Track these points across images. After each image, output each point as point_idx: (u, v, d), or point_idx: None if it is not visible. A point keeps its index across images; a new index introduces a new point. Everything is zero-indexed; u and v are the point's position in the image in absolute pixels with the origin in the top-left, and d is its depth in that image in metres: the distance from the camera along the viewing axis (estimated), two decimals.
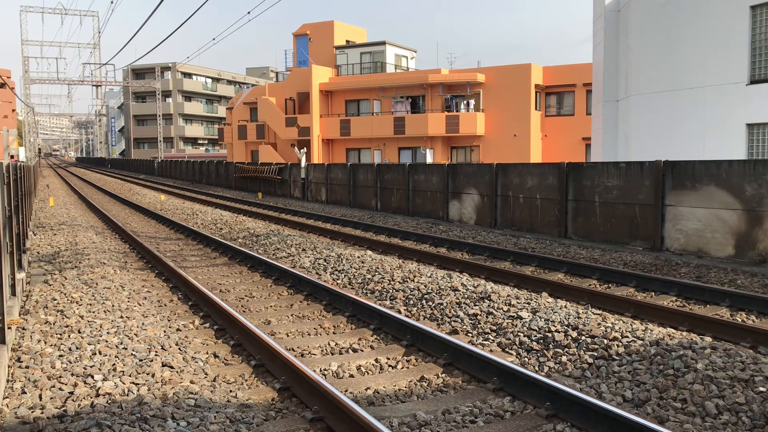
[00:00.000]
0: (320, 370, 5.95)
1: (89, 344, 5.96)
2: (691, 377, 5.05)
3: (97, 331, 6.44)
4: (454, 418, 4.79)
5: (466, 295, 8.03)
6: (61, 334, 6.34)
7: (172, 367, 5.56)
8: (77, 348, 5.87)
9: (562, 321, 6.72)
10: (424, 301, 8.15)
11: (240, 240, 14.62)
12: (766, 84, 16.20)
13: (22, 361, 5.54)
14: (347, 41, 43.52)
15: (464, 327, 7.14)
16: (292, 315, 8.06)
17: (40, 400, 4.71)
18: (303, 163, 29.13)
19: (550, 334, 6.44)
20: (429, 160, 34.92)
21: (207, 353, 6.38)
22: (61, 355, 5.67)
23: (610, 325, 6.45)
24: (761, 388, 4.78)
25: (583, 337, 6.25)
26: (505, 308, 7.40)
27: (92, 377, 5.13)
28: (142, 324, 6.85)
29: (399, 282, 9.14)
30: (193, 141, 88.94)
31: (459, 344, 5.96)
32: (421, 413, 4.82)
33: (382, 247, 13.43)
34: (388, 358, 6.32)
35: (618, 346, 5.93)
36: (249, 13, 18.83)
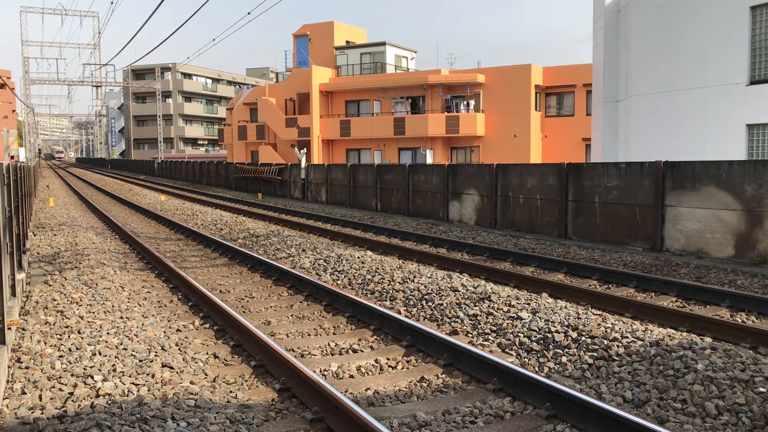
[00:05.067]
0: (320, 371, 5.95)
1: (89, 345, 5.96)
2: (691, 378, 5.05)
3: (97, 331, 6.44)
4: (454, 419, 4.79)
5: (466, 296, 8.03)
6: (61, 335, 6.34)
7: (172, 368, 5.56)
8: (77, 348, 5.87)
9: (562, 321, 6.72)
10: (424, 302, 8.15)
11: (240, 240, 14.62)
12: (766, 84, 16.20)
13: (22, 362, 5.54)
14: (347, 42, 43.53)
15: (464, 327, 7.14)
16: (292, 315, 8.06)
17: (40, 400, 4.71)
18: (303, 163, 29.13)
19: (550, 335, 6.44)
20: (429, 160, 34.91)
21: (207, 354, 6.38)
22: (61, 356, 5.67)
23: (610, 326, 6.45)
24: (761, 389, 4.78)
25: (583, 338, 6.25)
26: (505, 309, 7.40)
27: (92, 378, 5.12)
28: (142, 324, 6.85)
29: (399, 282, 9.14)
30: (193, 141, 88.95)
31: (459, 345, 5.96)
32: (421, 414, 4.82)
33: (382, 248, 13.43)
34: (388, 359, 6.32)
35: (618, 346, 5.93)
36: (249, 13, 18.86)
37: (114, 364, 5.45)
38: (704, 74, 17.47)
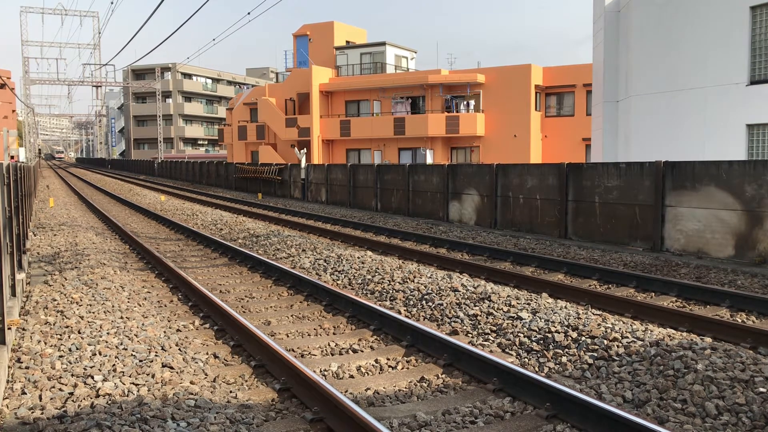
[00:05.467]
0: (320, 371, 5.95)
1: (89, 345, 5.96)
2: (691, 378, 5.05)
3: (97, 331, 6.44)
4: (454, 419, 4.79)
5: (466, 296, 8.03)
6: (61, 335, 6.34)
7: (172, 368, 5.56)
8: (77, 348, 5.87)
9: (562, 321, 6.72)
10: (424, 302, 8.15)
11: (240, 240, 14.62)
12: (766, 84, 16.20)
13: (22, 362, 5.54)
14: (347, 42, 43.52)
15: (464, 327, 7.14)
16: (292, 315, 8.06)
17: (40, 400, 4.71)
18: (303, 163, 29.13)
19: (550, 335, 6.44)
20: (429, 160, 34.92)
21: (207, 354, 6.38)
22: (61, 356, 5.67)
23: (610, 326, 6.45)
24: (761, 389, 4.78)
25: (583, 338, 6.25)
26: (505, 309, 7.40)
27: (92, 378, 5.12)
28: (142, 324, 6.85)
29: (399, 282, 9.14)
30: (193, 141, 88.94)
31: (459, 345, 5.96)
32: (421, 414, 4.82)
33: (382, 248, 13.43)
34: (388, 359, 6.32)
35: (618, 346, 5.93)
36: (249, 13, 18.87)
37: (114, 364, 5.45)
38: (704, 74, 17.47)
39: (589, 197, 14.51)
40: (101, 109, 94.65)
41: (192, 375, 5.53)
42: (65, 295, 8.19)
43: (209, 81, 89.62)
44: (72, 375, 5.20)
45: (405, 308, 8.14)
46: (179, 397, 4.87)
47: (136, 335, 6.39)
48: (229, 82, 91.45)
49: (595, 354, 5.90)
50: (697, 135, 17.64)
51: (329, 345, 6.79)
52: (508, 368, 5.33)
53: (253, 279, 10.46)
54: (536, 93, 35.47)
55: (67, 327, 6.59)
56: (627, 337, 6.10)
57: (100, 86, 77.92)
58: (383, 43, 41.73)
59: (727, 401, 4.73)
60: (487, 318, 7.23)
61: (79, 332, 6.41)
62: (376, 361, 6.25)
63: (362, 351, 6.59)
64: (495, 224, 17.33)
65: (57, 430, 4.16)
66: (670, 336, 6.07)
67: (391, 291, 8.85)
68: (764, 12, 16.22)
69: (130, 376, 5.22)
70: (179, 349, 6.27)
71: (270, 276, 10.43)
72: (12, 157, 57.26)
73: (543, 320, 6.84)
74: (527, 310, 7.26)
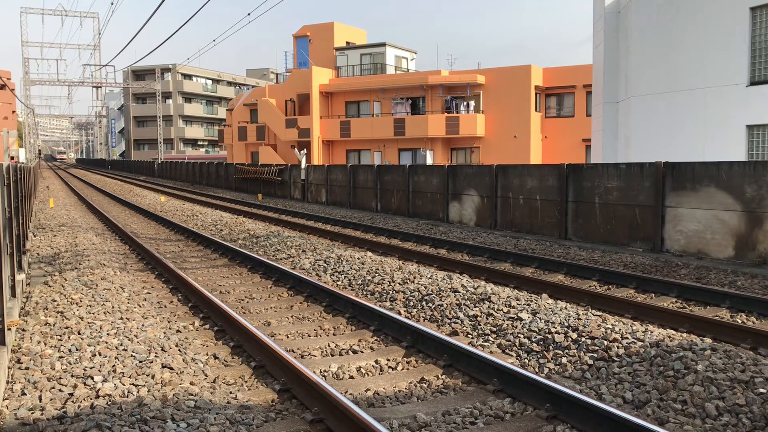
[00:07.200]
0: (320, 372, 5.94)
1: (89, 345, 5.96)
2: (692, 378, 5.05)
3: (97, 332, 6.43)
4: (454, 420, 4.78)
5: (466, 297, 8.03)
6: (60, 336, 6.34)
7: (171, 369, 5.56)
8: (77, 349, 5.87)
9: (562, 322, 6.72)
10: (424, 303, 8.15)
11: (240, 241, 14.62)
12: (766, 85, 16.21)
13: (22, 363, 5.54)
14: (347, 42, 43.53)
15: (464, 328, 7.14)
16: (292, 316, 8.06)
17: (40, 401, 4.71)
18: (303, 164, 29.14)
19: (550, 336, 6.44)
20: (429, 161, 34.91)
21: (207, 354, 6.37)
22: (60, 357, 5.66)
23: (611, 327, 6.44)
24: (761, 390, 4.78)
25: (583, 339, 6.25)
26: (506, 310, 7.40)
27: (92, 378, 5.12)
28: (142, 325, 6.85)
29: (399, 283, 9.14)
30: (193, 142, 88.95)
31: (459, 345, 5.96)
32: (421, 414, 4.81)
33: (383, 249, 13.42)
34: (388, 360, 6.32)
35: (618, 347, 5.92)
36: (249, 14, 18.89)
37: (114, 365, 5.45)
38: (704, 75, 17.47)
39: (589, 198, 14.51)
40: (101, 110, 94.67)
41: (192, 376, 5.53)
42: (65, 295, 8.19)
43: (209, 82, 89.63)
44: (72, 376, 5.19)
45: (405, 309, 8.14)
46: (179, 398, 4.86)
47: (136, 336, 6.38)
48: (229, 83, 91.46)
49: (595, 355, 5.90)
50: (697, 136, 17.64)
51: (329, 346, 6.78)
52: (508, 369, 5.32)
53: (253, 280, 10.46)
54: (536, 94, 35.47)
55: (67, 328, 6.59)
56: (627, 338, 6.10)
57: (100, 87, 77.94)
58: (383, 44, 41.74)
59: (727, 402, 4.72)
60: (487, 319, 7.23)
61: (79, 333, 6.41)
62: (376, 361, 6.25)
63: (362, 352, 6.59)
64: (495, 225, 17.33)
65: (57, 430, 4.16)
66: (670, 337, 6.06)
67: (391, 292, 8.85)
68: (764, 13, 16.23)
69: (129, 377, 5.22)
70: (179, 350, 6.27)
71: (270, 277, 10.43)
72: (12, 158, 57.26)
73: (543, 321, 6.84)
74: (527, 310, 7.26)
